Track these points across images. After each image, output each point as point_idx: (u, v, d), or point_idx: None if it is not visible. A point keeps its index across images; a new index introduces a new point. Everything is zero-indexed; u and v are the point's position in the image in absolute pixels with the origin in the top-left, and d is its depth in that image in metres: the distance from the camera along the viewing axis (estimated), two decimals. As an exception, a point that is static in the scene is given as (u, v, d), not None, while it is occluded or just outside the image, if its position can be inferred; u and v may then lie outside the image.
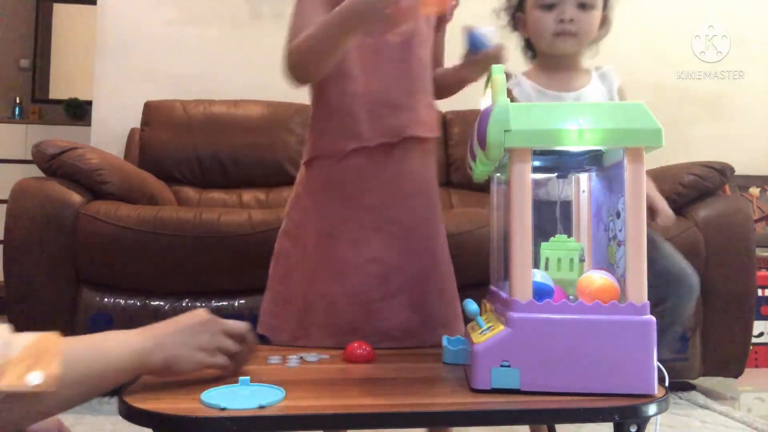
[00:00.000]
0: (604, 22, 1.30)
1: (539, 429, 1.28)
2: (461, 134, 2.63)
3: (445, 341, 0.93)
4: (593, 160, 0.90)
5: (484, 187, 1.07)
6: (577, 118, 0.75)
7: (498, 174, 0.96)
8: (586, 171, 0.93)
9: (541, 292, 0.77)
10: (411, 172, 1.13)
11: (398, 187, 1.12)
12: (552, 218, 0.96)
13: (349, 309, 1.08)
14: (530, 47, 1.35)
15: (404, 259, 1.10)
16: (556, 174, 0.96)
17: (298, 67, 1.06)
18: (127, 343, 0.74)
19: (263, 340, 1.13)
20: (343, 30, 1.00)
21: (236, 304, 1.88)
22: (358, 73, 1.10)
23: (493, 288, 0.96)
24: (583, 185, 0.95)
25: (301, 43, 1.04)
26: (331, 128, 1.13)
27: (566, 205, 0.98)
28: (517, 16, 1.33)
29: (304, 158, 1.17)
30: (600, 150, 0.84)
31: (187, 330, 0.78)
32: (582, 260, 0.90)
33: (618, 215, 0.80)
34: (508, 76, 1.25)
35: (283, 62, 1.07)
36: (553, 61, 1.30)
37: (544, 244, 0.89)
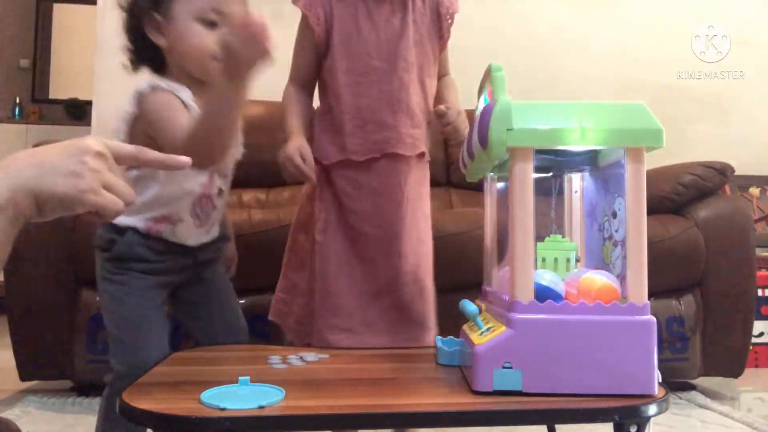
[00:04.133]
0: None
1: None
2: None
3: (439, 342, 0.92)
4: (587, 160, 0.90)
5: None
6: (578, 118, 0.75)
7: (492, 174, 0.96)
8: (580, 171, 0.93)
9: (547, 296, 0.76)
10: (396, 184, 1.21)
11: (384, 197, 1.21)
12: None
13: (343, 297, 1.20)
14: (157, 58, 1.15)
15: (390, 261, 1.21)
16: (551, 173, 0.96)
17: None
18: None
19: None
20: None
21: (236, 304, 1.87)
22: (346, 92, 1.21)
23: (487, 288, 0.95)
24: (576, 185, 0.95)
25: None
26: (323, 137, 1.24)
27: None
28: (153, 16, 1.12)
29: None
30: (595, 150, 0.84)
31: (56, 154, 0.61)
32: (577, 260, 0.90)
33: (614, 215, 0.80)
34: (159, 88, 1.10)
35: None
36: (194, 80, 1.15)
37: (540, 244, 0.89)
